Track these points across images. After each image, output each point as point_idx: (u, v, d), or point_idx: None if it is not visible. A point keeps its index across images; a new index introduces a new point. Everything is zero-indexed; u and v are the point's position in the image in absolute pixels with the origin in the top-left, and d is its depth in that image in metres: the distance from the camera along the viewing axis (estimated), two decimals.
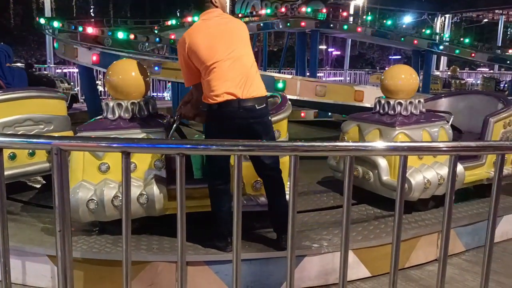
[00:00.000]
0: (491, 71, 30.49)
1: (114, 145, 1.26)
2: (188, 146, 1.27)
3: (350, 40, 23.17)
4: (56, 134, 4.29)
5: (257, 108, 2.97)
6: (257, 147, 1.57)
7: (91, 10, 23.13)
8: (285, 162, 3.44)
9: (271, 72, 15.65)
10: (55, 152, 1.25)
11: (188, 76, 3.18)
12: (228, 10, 3.22)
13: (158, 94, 17.49)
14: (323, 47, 33.49)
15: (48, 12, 14.14)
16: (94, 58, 6.58)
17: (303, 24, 14.28)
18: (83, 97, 12.08)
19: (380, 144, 1.49)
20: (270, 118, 3.18)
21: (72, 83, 12.59)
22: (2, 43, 5.09)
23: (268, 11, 13.98)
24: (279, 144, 1.43)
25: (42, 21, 8.79)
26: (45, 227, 3.50)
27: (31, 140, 1.30)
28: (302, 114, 12.62)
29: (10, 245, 3.24)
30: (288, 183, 3.13)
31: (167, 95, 17.49)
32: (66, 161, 1.27)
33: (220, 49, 2.97)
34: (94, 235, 3.34)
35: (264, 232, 3.41)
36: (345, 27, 14.25)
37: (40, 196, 4.39)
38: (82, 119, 8.79)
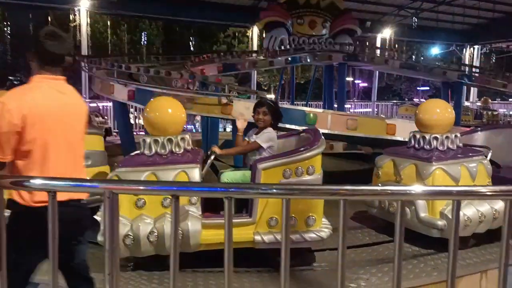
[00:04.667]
0: None
1: (165, 189, 1.29)
2: (236, 189, 1.27)
3: (377, 71, 23.12)
4: (94, 169, 4.40)
5: None
6: (299, 191, 1.50)
7: (125, 47, 24.08)
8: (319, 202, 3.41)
9: (299, 104, 15.79)
10: (108, 196, 1.28)
11: None
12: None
13: (187, 126, 17.72)
14: (350, 78, 33.52)
15: (84, 50, 14.74)
16: (130, 94, 6.80)
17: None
18: (116, 130, 12.39)
19: (431, 188, 1.44)
20: None
21: (106, 117, 12.97)
22: None
23: None
24: (327, 188, 1.37)
25: (80, 59, 9.18)
26: None
27: (83, 184, 1.34)
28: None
29: (43, 279, 3.27)
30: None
31: (192, 127, 17.65)
32: (117, 205, 1.29)
33: None
34: (129, 271, 3.35)
35: (299, 270, 3.35)
36: (373, 60, 14.20)
37: None
38: (115, 152, 8.99)
